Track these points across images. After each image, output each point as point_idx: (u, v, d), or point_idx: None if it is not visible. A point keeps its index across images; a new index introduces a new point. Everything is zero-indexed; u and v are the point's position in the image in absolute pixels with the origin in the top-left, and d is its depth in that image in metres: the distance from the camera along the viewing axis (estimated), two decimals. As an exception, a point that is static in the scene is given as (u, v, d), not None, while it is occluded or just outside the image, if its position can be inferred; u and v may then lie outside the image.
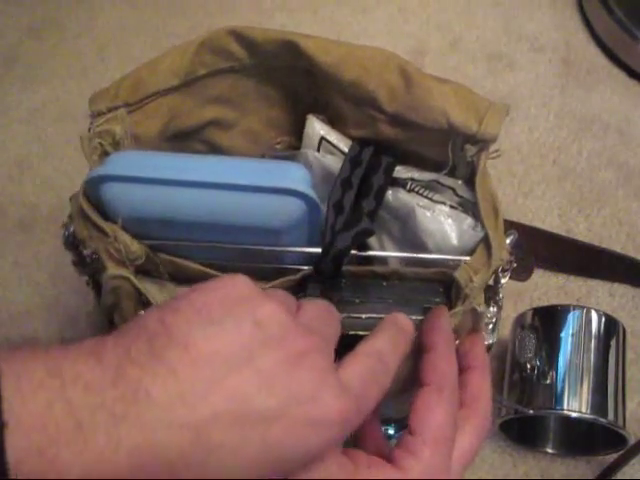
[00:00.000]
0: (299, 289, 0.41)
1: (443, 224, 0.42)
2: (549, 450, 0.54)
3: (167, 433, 0.24)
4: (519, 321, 0.54)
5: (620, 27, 0.70)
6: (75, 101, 0.72)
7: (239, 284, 0.29)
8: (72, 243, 0.41)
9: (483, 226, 0.40)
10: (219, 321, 0.27)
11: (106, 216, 0.40)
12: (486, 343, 0.44)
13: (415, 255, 0.42)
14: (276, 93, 0.47)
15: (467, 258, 0.40)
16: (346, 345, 0.39)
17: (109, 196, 0.39)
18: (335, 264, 0.40)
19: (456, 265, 0.40)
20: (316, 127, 0.46)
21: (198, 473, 0.25)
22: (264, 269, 0.42)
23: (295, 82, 0.45)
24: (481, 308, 0.38)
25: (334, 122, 0.46)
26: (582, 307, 0.52)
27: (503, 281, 0.41)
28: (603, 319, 0.52)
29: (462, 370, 0.36)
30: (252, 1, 0.78)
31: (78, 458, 0.23)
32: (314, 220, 0.41)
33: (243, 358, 0.27)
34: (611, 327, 0.52)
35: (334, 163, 0.45)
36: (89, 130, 0.41)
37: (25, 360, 0.24)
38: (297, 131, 0.48)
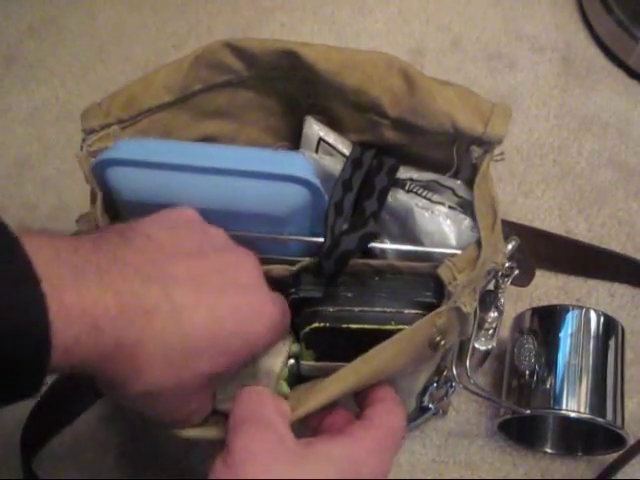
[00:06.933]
0: (294, 282, 0.41)
1: (441, 225, 0.42)
2: (549, 450, 0.54)
3: (141, 285, 0.30)
4: (518, 321, 0.54)
5: (620, 27, 0.70)
6: (75, 101, 0.72)
7: (188, 210, 0.36)
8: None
9: (477, 226, 0.40)
10: (174, 227, 0.35)
11: (112, 201, 0.40)
12: (484, 348, 0.44)
13: (411, 248, 0.42)
14: (274, 102, 0.46)
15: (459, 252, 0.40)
16: (339, 338, 0.39)
17: (113, 180, 0.39)
18: (338, 265, 0.40)
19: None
20: (314, 128, 0.46)
21: (166, 324, 0.31)
22: (266, 260, 0.42)
23: (293, 90, 0.45)
24: (467, 308, 0.37)
25: (332, 127, 0.46)
26: (581, 307, 0.52)
27: (504, 287, 0.41)
28: (602, 319, 0.52)
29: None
30: (252, 1, 0.78)
31: (78, 300, 0.28)
32: (318, 209, 0.41)
33: (196, 251, 0.34)
34: (610, 327, 0.52)
35: (332, 164, 0.45)
36: (81, 148, 0.41)
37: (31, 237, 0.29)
38: (296, 136, 0.47)
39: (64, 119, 0.71)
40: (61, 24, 0.77)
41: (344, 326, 0.39)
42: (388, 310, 0.39)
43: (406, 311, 0.39)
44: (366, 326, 0.39)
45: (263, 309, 0.34)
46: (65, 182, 0.67)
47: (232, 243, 0.36)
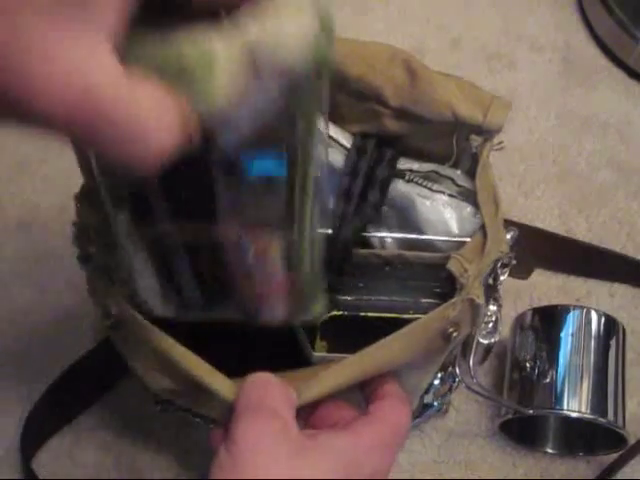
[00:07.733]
0: None
1: (443, 213, 0.42)
2: (549, 450, 0.54)
3: None
4: (519, 321, 0.54)
5: (620, 27, 0.70)
6: (75, 101, 0.72)
7: None
8: (79, 239, 0.41)
9: (480, 215, 0.40)
10: None
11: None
12: (487, 342, 0.44)
13: (417, 237, 0.42)
14: None
15: (468, 239, 0.40)
16: (356, 327, 0.39)
17: None
18: (343, 254, 0.40)
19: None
20: None
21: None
22: None
23: None
24: (479, 300, 0.37)
25: (334, 118, 0.46)
26: (582, 307, 0.52)
27: (502, 278, 0.41)
28: (603, 319, 0.52)
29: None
30: (252, 1, 0.78)
31: None
32: (328, 189, 0.40)
33: None
34: (611, 327, 0.52)
35: (333, 156, 0.45)
36: None
37: None
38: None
39: (64, 119, 0.71)
40: (61, 24, 0.77)
41: (362, 314, 0.39)
42: (406, 299, 0.39)
43: (423, 300, 0.39)
44: (384, 315, 0.39)
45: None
46: (65, 182, 0.67)
47: None
